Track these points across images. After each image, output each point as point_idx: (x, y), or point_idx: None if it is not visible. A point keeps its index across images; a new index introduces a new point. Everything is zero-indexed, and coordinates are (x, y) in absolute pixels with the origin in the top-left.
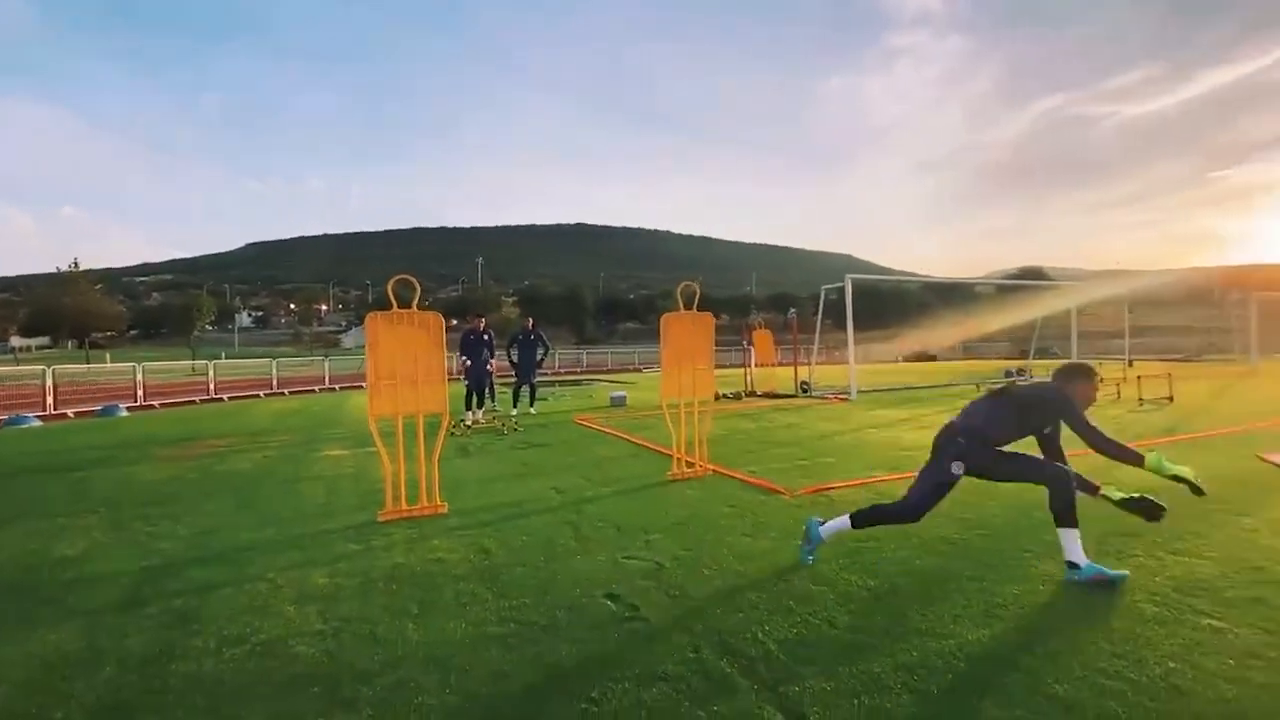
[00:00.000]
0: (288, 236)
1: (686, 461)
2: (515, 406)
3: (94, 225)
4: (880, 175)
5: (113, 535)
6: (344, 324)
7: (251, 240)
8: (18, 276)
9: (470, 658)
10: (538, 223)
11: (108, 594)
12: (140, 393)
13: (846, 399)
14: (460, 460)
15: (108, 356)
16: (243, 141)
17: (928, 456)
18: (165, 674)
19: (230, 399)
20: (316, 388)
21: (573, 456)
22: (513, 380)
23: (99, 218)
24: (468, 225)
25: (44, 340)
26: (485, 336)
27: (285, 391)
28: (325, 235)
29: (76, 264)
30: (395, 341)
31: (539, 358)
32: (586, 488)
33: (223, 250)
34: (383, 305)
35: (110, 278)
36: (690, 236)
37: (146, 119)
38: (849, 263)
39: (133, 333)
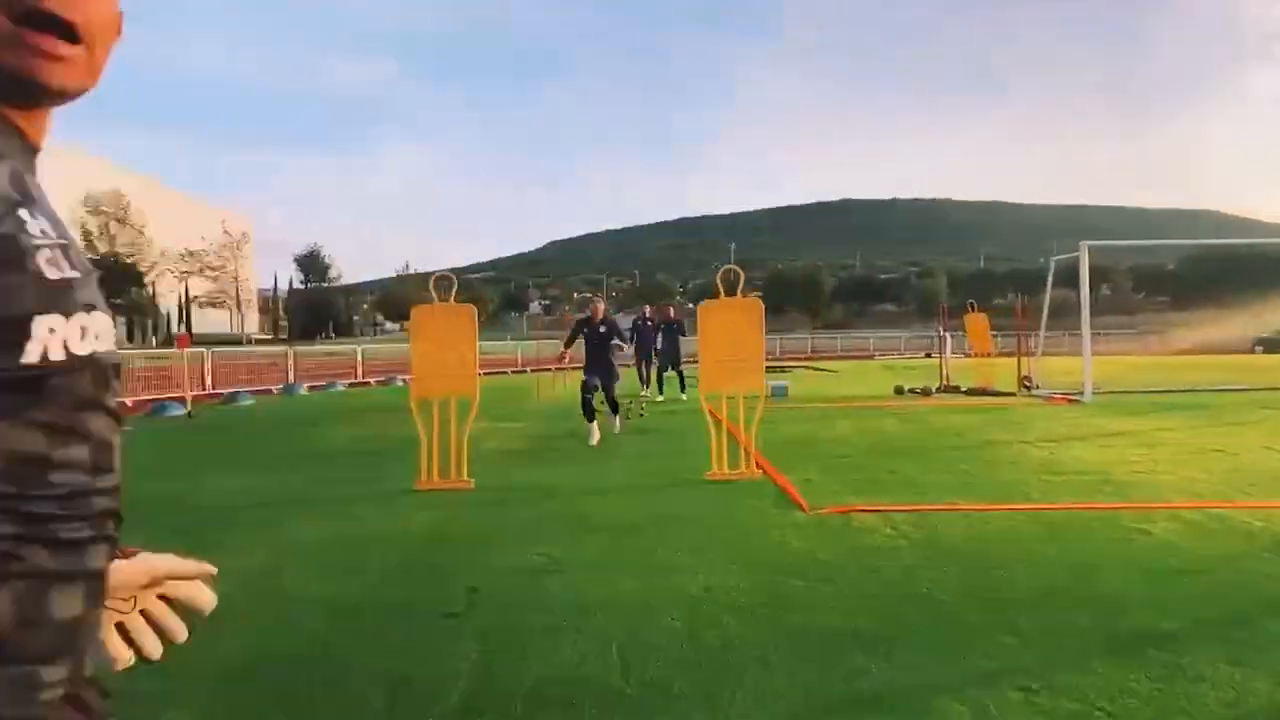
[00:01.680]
0: (583, 233)
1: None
2: (645, 389)
3: (449, 230)
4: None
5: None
6: (613, 310)
7: (554, 239)
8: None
9: None
10: (797, 203)
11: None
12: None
13: (1075, 401)
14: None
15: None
16: (546, 155)
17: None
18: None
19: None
20: (509, 369)
21: (641, 446)
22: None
23: (453, 225)
24: (727, 211)
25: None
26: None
27: (507, 370)
28: (608, 231)
29: (408, 266)
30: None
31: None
32: (609, 477)
33: (532, 248)
34: (646, 295)
35: (459, 274)
36: (972, 203)
37: (477, 146)
38: (1205, 220)
39: None
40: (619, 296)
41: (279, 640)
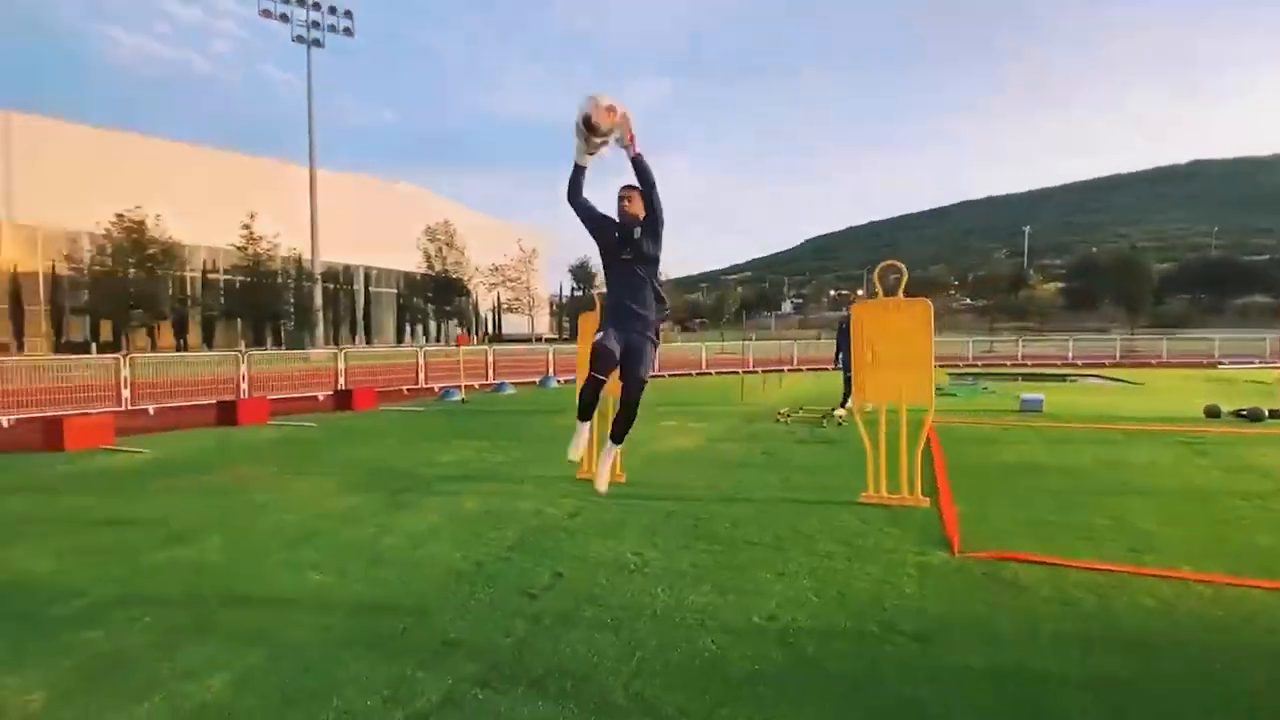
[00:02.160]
0: (840, 228)
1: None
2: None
3: (711, 237)
4: None
5: (470, 453)
6: None
7: (809, 236)
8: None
9: None
10: (1123, 170)
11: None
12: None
13: None
14: (727, 444)
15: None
16: (797, 150)
17: None
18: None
19: (716, 373)
20: (693, 371)
21: (815, 457)
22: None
23: (712, 232)
24: (1023, 189)
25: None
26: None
27: (719, 371)
28: (869, 223)
29: (662, 275)
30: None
31: None
32: (759, 488)
33: (788, 247)
34: (913, 290)
35: (713, 276)
36: None
37: (735, 150)
38: None
39: (699, 320)
40: (879, 295)
41: (392, 592)
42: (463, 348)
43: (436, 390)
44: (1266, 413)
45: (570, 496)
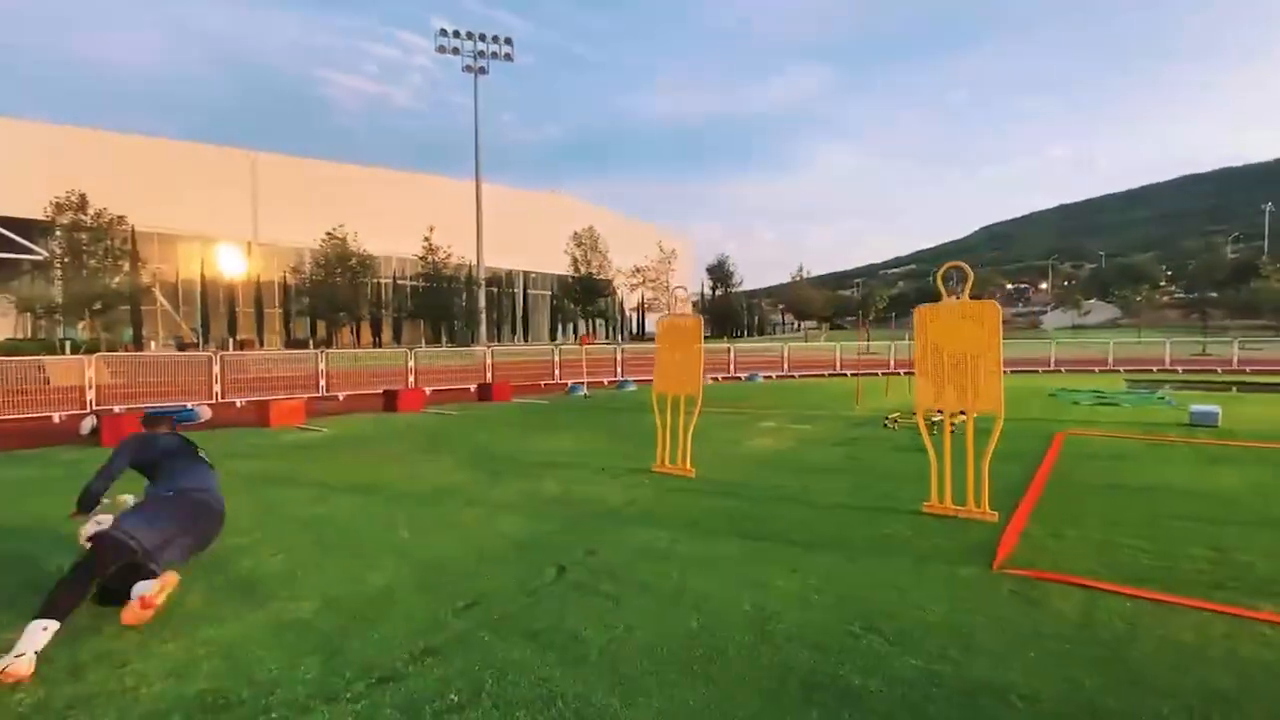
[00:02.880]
0: (1019, 215)
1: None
2: None
3: (870, 229)
4: None
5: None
6: (1051, 305)
7: (984, 224)
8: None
9: None
10: None
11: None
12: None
13: None
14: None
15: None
16: (979, 131)
17: None
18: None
19: (851, 374)
20: (826, 371)
21: (902, 467)
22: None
23: (872, 223)
24: (1257, 161)
25: (812, 324)
26: None
27: (819, 373)
28: (1059, 206)
29: (801, 270)
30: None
31: None
32: (824, 492)
33: (958, 237)
34: (1107, 281)
35: (871, 271)
36: None
37: (900, 135)
38: None
39: (849, 318)
40: (1070, 286)
41: (455, 552)
42: (586, 346)
43: (566, 385)
44: None
45: (634, 487)
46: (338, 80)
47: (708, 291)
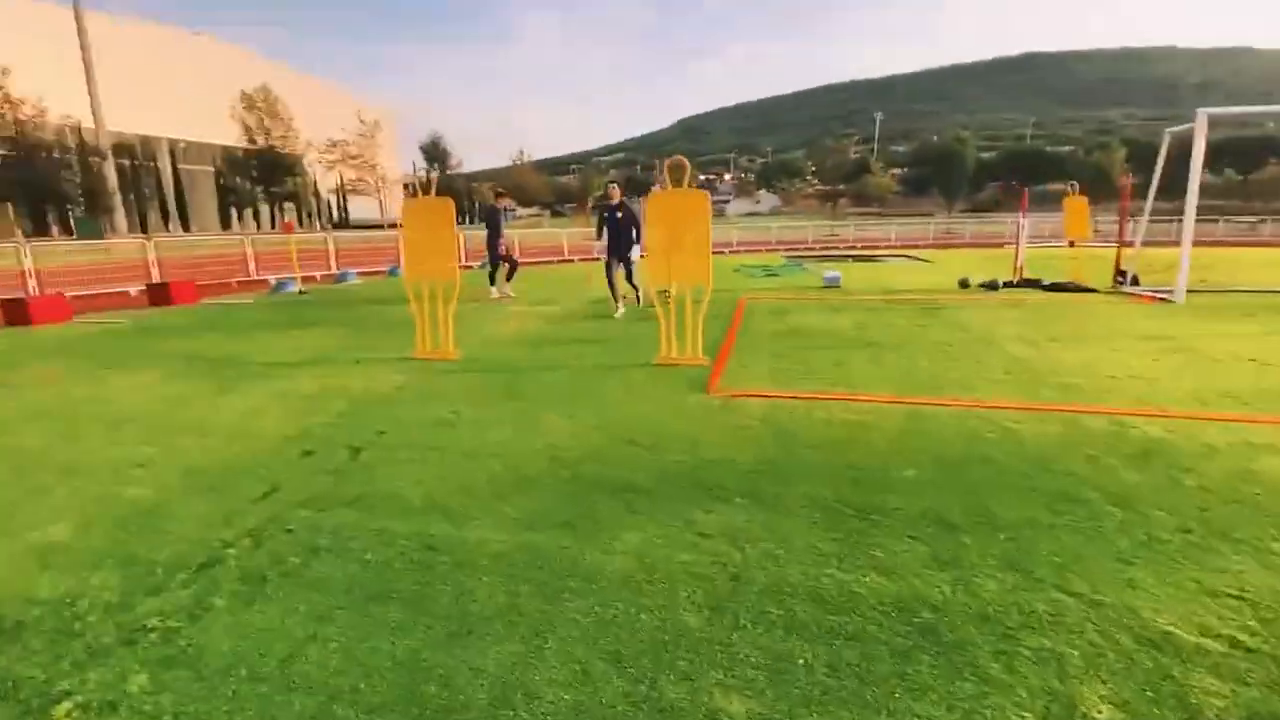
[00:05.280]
0: (709, 110)
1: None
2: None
3: (582, 117)
4: None
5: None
6: (731, 196)
7: (680, 117)
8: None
9: None
10: (966, 60)
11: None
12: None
13: (1164, 299)
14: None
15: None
16: (674, 27)
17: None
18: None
19: (579, 260)
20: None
21: (637, 331)
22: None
23: (584, 110)
24: (876, 75)
25: (529, 210)
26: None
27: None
28: (741, 104)
29: (522, 154)
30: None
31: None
32: (576, 358)
33: (660, 128)
34: (771, 174)
35: (585, 158)
36: (1204, 51)
37: (614, 22)
38: None
39: (569, 205)
40: (747, 178)
41: (224, 457)
42: (293, 235)
43: (270, 282)
44: (1000, 283)
45: (400, 374)
46: None
47: (421, 174)
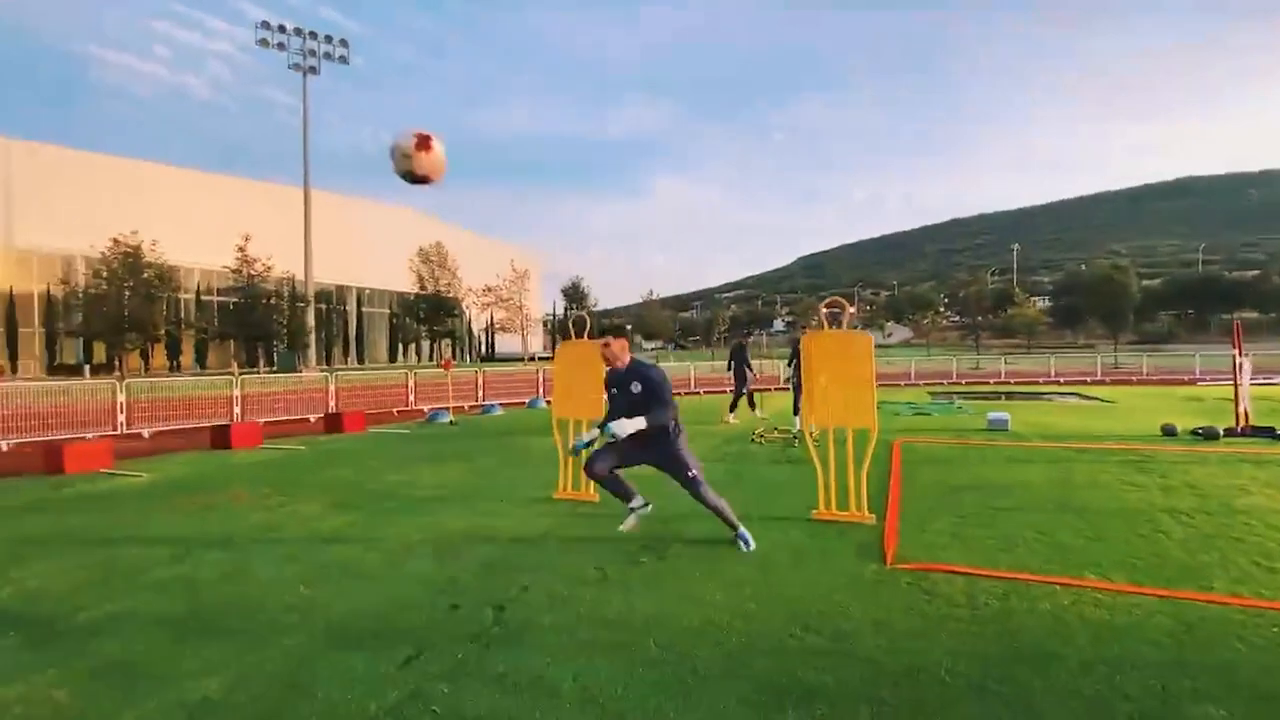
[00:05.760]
0: (830, 247)
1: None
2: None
3: (705, 256)
4: None
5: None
6: (859, 324)
7: (801, 254)
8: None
9: None
10: (1111, 189)
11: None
12: None
13: None
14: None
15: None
16: (803, 167)
17: None
18: None
19: (704, 393)
20: (683, 390)
21: (781, 478)
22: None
23: (705, 251)
24: (1013, 207)
25: (653, 344)
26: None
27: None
28: (864, 240)
29: (651, 292)
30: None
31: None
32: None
33: (781, 265)
34: (899, 308)
35: (707, 294)
36: None
37: (728, 170)
38: None
39: (692, 339)
40: (871, 311)
41: (373, 603)
42: (450, 370)
43: (425, 412)
44: (1221, 431)
45: (543, 516)
46: (118, 62)
47: (559, 312)
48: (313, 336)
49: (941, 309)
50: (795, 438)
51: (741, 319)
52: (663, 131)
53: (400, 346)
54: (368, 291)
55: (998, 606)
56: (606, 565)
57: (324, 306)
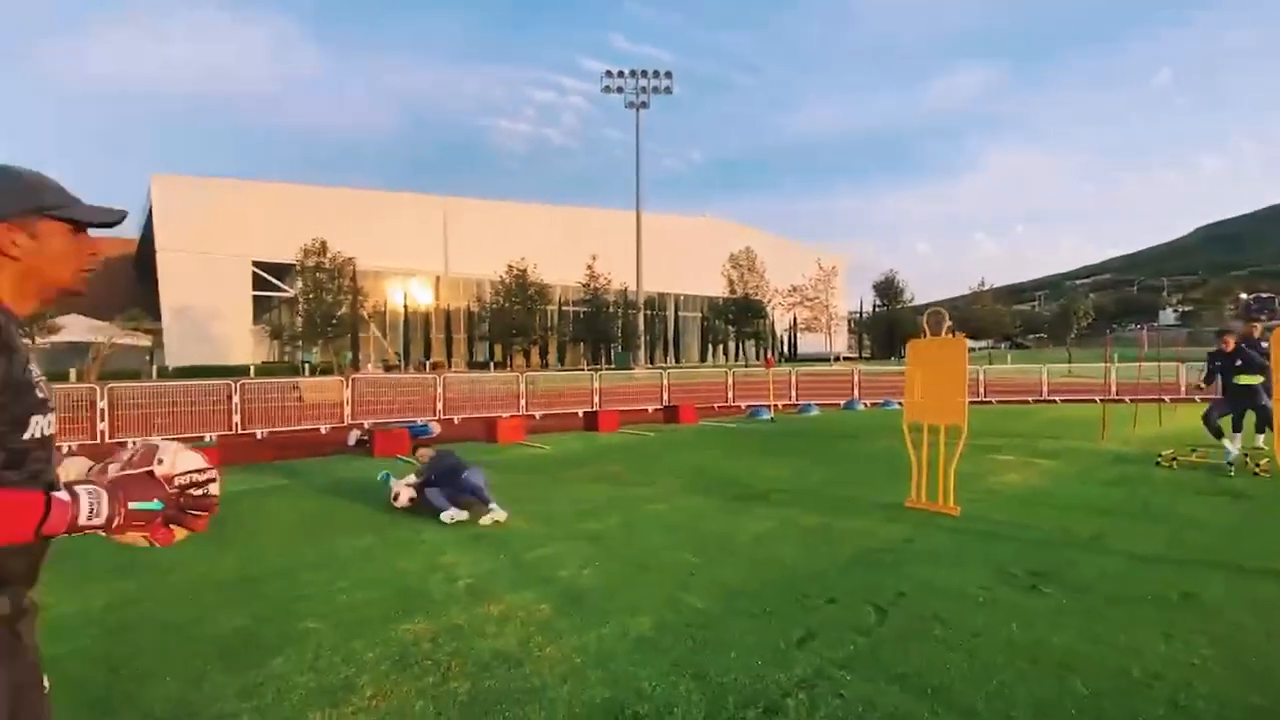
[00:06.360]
0: (1249, 210)
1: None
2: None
3: (1043, 236)
4: None
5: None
6: None
7: (1203, 223)
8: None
9: None
10: None
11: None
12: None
13: None
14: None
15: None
16: (1191, 114)
17: None
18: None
19: (1060, 401)
20: (1031, 398)
21: (1216, 515)
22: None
23: (1049, 232)
24: None
25: (980, 344)
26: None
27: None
28: None
29: (982, 282)
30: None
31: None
32: (1127, 537)
33: (1168, 240)
34: None
35: (1051, 283)
36: None
37: (1083, 129)
38: None
39: (1035, 336)
40: None
41: (756, 581)
42: (771, 369)
43: (743, 408)
44: None
45: (900, 524)
46: (503, 126)
47: (867, 308)
48: (642, 339)
49: None
50: (1230, 465)
51: (1107, 309)
52: (992, 96)
53: (710, 347)
54: (683, 297)
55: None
56: (990, 587)
57: (649, 312)
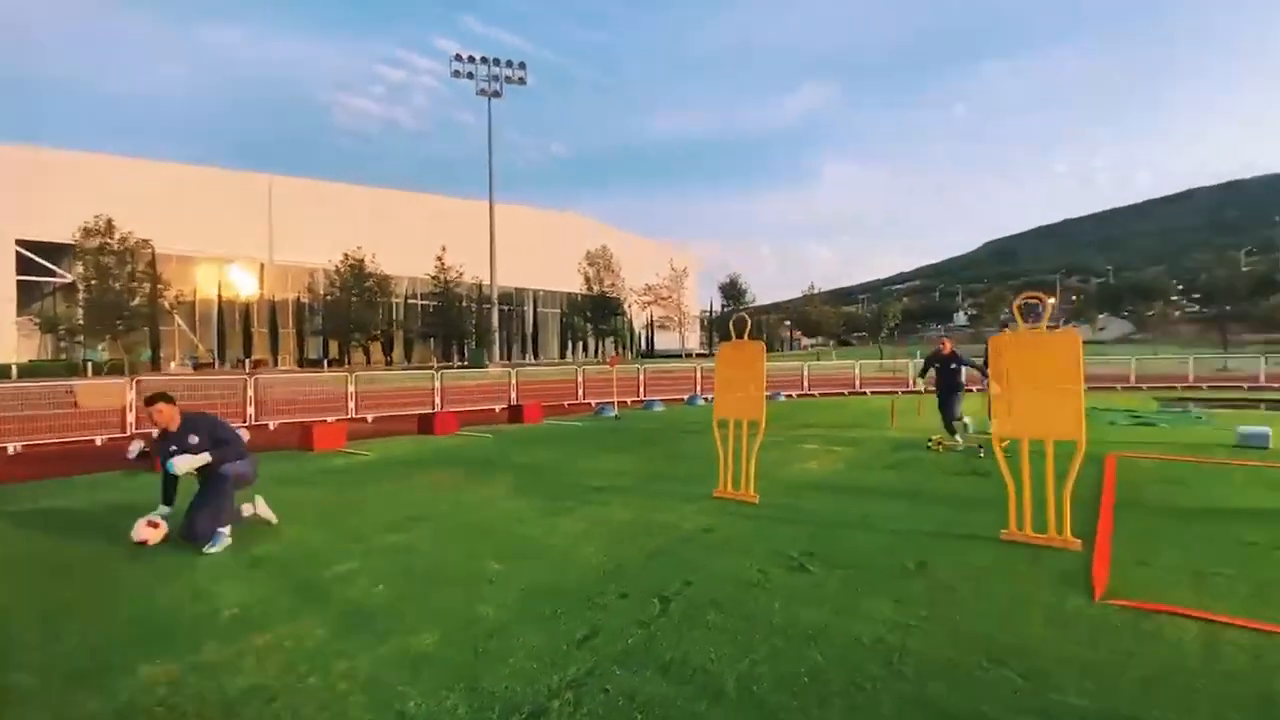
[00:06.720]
0: (1024, 229)
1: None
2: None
3: (872, 246)
4: None
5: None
6: (1062, 320)
7: (988, 239)
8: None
9: None
10: None
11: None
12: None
13: None
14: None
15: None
16: (982, 145)
17: None
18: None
19: (871, 393)
20: (846, 390)
21: (963, 492)
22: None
23: (873, 240)
24: (1270, 171)
25: (813, 340)
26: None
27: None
28: (1063, 221)
29: (812, 286)
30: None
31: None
32: (905, 517)
33: (964, 252)
34: (1115, 298)
35: (873, 288)
36: None
37: (903, 151)
38: None
39: (857, 335)
40: (1077, 302)
41: (552, 581)
42: (616, 367)
43: (593, 406)
44: None
45: (704, 514)
46: (346, 102)
47: (716, 308)
48: (496, 335)
49: (1175, 297)
50: (981, 447)
51: (915, 312)
52: (828, 115)
53: (570, 343)
54: (543, 293)
55: (1246, 663)
56: (769, 569)
57: (505, 308)
